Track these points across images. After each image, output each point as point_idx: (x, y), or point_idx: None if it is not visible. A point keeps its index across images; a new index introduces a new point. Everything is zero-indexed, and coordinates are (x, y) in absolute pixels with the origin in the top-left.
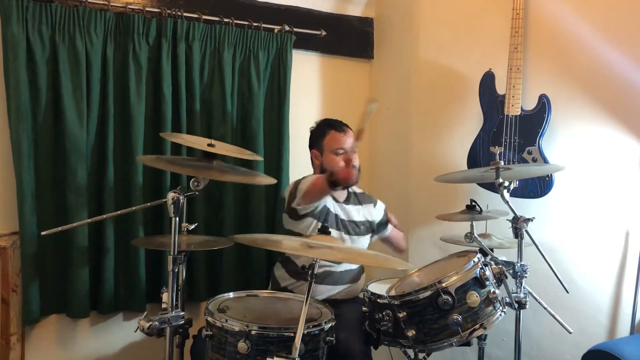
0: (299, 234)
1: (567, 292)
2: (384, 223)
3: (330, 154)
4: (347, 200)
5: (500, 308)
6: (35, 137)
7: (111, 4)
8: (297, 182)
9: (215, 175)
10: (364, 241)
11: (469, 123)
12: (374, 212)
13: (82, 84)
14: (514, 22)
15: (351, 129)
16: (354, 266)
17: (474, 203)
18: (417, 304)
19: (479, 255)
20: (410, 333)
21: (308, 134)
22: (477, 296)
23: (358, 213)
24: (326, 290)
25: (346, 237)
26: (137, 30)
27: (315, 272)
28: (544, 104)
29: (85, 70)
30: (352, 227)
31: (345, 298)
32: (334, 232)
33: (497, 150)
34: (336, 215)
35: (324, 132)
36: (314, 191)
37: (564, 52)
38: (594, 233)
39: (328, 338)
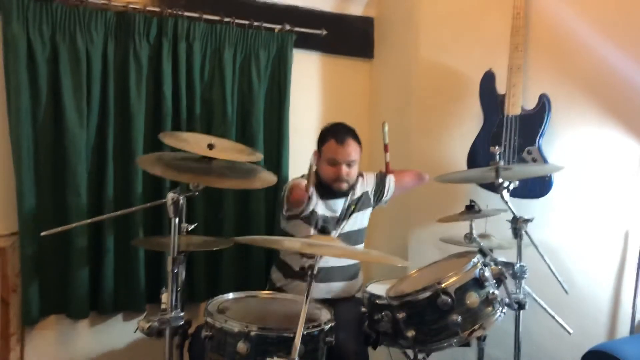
0: (292, 235)
1: (567, 293)
2: (380, 182)
3: (325, 162)
4: (338, 195)
5: (500, 309)
6: (35, 137)
7: (112, 3)
8: (286, 186)
9: (214, 180)
10: (364, 218)
11: (469, 123)
12: (365, 181)
13: (82, 84)
14: (514, 21)
15: (355, 140)
16: (350, 262)
17: (473, 203)
18: (416, 305)
19: (478, 255)
20: (410, 334)
21: (308, 134)
22: (476, 297)
23: (348, 198)
24: (323, 288)
25: (339, 231)
26: (137, 29)
27: (315, 272)
28: (544, 104)
29: (85, 70)
30: (344, 213)
31: (342, 296)
32: None
33: (497, 150)
34: (325, 216)
35: (325, 138)
36: (287, 200)
37: (565, 51)
38: (593, 233)
39: (327, 339)
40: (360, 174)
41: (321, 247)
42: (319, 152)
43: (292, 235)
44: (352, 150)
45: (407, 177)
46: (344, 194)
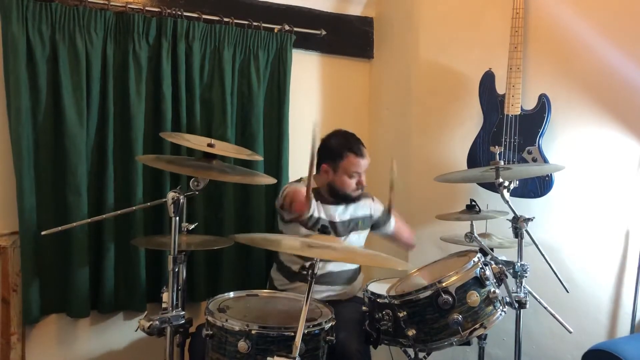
0: None
1: (567, 292)
2: (386, 215)
3: (344, 176)
4: (340, 202)
5: (501, 307)
6: (35, 137)
7: (111, 3)
8: (284, 189)
9: (215, 176)
10: (360, 238)
11: (469, 123)
12: (373, 206)
13: (82, 84)
14: (514, 21)
15: (364, 146)
16: (350, 267)
17: (473, 203)
18: (417, 304)
19: (479, 255)
20: (411, 332)
21: (308, 134)
22: (477, 296)
23: (353, 210)
24: (322, 291)
25: (339, 239)
26: (137, 29)
27: (315, 272)
28: (543, 104)
29: (85, 70)
30: (343, 228)
31: (341, 299)
32: None
33: (497, 149)
34: (325, 220)
35: (342, 153)
36: (287, 206)
37: (564, 51)
38: (594, 233)
39: (328, 337)
40: (371, 197)
41: (321, 248)
42: (331, 168)
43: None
44: (367, 157)
45: (405, 230)
46: (342, 201)
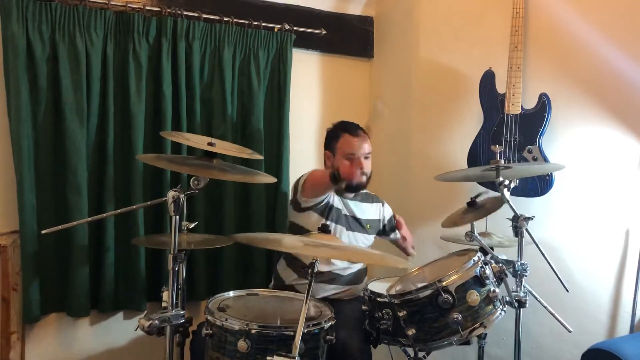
0: (302, 227)
1: (567, 291)
2: (393, 226)
3: (342, 158)
4: (355, 197)
5: (500, 307)
6: (35, 136)
7: (111, 2)
8: (303, 176)
9: (216, 174)
10: (367, 239)
11: (469, 122)
12: (384, 210)
13: (82, 83)
14: (514, 20)
15: (365, 133)
16: (357, 267)
17: (474, 199)
18: (417, 303)
19: (479, 254)
20: (410, 332)
21: (308, 133)
22: (477, 295)
23: (365, 211)
24: (327, 290)
25: (349, 232)
26: (137, 29)
27: (315, 271)
28: (544, 103)
29: (85, 69)
30: (355, 224)
31: (345, 298)
32: (337, 226)
33: (498, 149)
34: (339, 210)
35: (337, 134)
36: (316, 184)
37: (564, 50)
38: (594, 232)
39: (328, 337)
40: (382, 201)
41: (321, 247)
42: (331, 152)
43: (300, 227)
44: (367, 143)
45: (408, 238)
46: (357, 195)
